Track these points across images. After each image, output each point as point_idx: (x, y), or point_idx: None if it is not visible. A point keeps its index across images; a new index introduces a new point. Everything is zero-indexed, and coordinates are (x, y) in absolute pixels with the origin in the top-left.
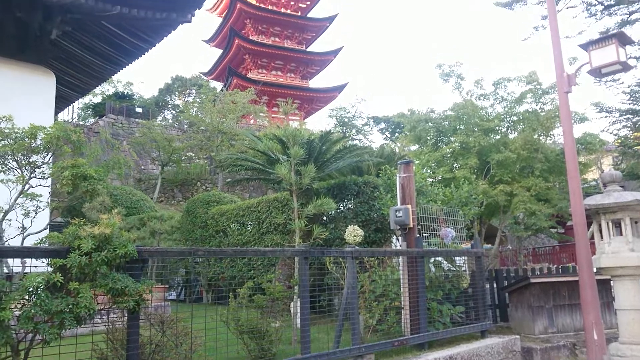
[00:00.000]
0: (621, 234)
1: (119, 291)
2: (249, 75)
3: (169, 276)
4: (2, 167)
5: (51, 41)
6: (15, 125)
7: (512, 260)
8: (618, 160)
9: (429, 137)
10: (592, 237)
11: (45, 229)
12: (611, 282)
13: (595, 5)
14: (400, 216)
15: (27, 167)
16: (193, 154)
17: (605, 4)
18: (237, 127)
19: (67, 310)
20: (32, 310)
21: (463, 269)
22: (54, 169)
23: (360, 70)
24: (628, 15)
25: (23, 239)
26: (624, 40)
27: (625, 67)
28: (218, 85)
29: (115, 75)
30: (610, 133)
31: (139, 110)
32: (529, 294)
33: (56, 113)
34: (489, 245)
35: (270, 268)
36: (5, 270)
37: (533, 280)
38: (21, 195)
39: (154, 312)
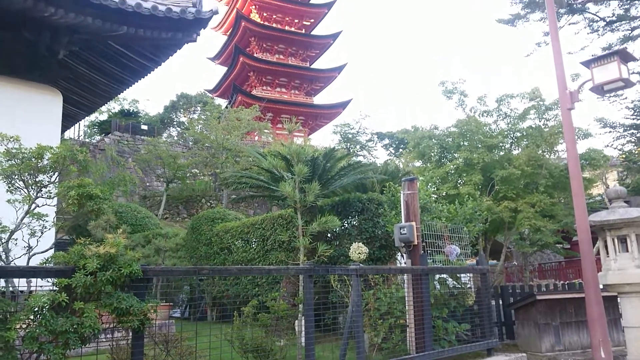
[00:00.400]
0: (627, 251)
1: (123, 311)
2: (254, 92)
3: (173, 293)
4: (9, 187)
5: (58, 61)
6: (23, 146)
7: (517, 277)
8: (623, 175)
9: (432, 154)
10: (598, 253)
11: (50, 248)
12: (618, 298)
13: (597, 21)
14: (405, 233)
15: (33, 187)
16: (198, 171)
17: (607, 20)
18: (242, 144)
19: (72, 330)
20: (37, 330)
21: (468, 285)
22: (60, 189)
23: (364, 85)
24: (630, 31)
25: (29, 259)
26: (625, 57)
27: (628, 84)
28: (223, 103)
29: (121, 93)
30: (615, 148)
31: (144, 127)
32: (535, 311)
33: (63, 131)
34: (494, 262)
35: (275, 285)
36: (10, 289)
37: (539, 297)
38: (27, 215)
39: (159, 331)
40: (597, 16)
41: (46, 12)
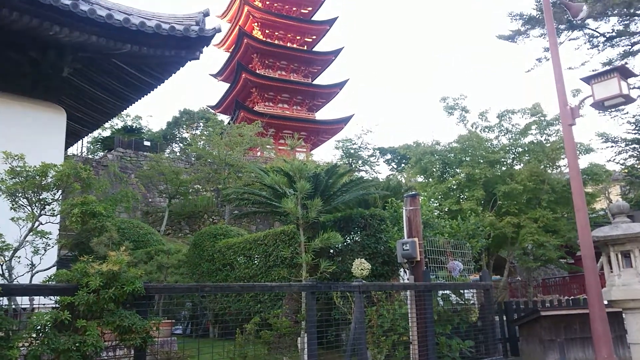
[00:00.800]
0: (631, 266)
1: (126, 329)
2: (256, 108)
3: (175, 310)
4: (13, 205)
5: (63, 79)
6: (27, 164)
7: (521, 292)
8: (626, 189)
9: (434, 169)
10: (602, 269)
11: (53, 265)
12: (623, 314)
13: (597, 37)
14: (407, 249)
15: (37, 204)
16: (200, 187)
17: (607, 36)
18: (244, 160)
19: (74, 349)
20: (40, 349)
21: (472, 301)
22: (64, 206)
23: (366, 97)
24: (630, 47)
25: (32, 276)
26: (625, 73)
27: (628, 100)
28: (225, 118)
29: (125, 110)
30: (617, 163)
31: (147, 143)
32: (540, 327)
33: (66, 148)
34: (498, 277)
35: (277, 302)
36: (13, 307)
37: (543, 313)
38: (31, 233)
39: (161, 348)
40: (596, 32)
41: (51, 30)
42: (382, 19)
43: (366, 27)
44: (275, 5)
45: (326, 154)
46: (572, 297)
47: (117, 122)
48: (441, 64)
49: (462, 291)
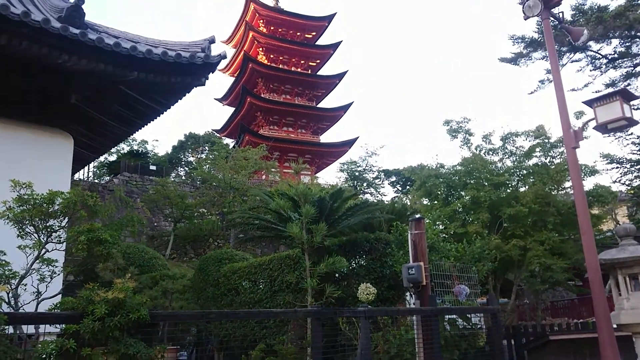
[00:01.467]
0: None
1: (131, 357)
2: (261, 131)
3: (180, 335)
4: (20, 232)
5: (70, 105)
6: (34, 192)
7: (530, 315)
8: (632, 210)
9: (439, 192)
10: (611, 291)
11: (59, 293)
12: (633, 338)
13: (599, 59)
14: (413, 274)
15: (43, 232)
16: (205, 210)
17: (609, 58)
18: (249, 183)
19: None
20: None
21: (479, 326)
22: (70, 234)
23: (371, 117)
24: (632, 68)
25: (37, 304)
26: (628, 96)
27: (631, 123)
28: (231, 142)
29: (131, 135)
30: (623, 184)
31: (153, 167)
32: (549, 352)
33: (73, 173)
34: (505, 300)
35: (283, 328)
36: (18, 334)
37: (552, 337)
38: (37, 260)
39: None
40: (599, 54)
41: (60, 59)
42: (383, 33)
43: (369, 43)
44: (280, 30)
45: (331, 176)
46: (581, 320)
47: (123, 147)
48: (441, 72)
49: (469, 315)
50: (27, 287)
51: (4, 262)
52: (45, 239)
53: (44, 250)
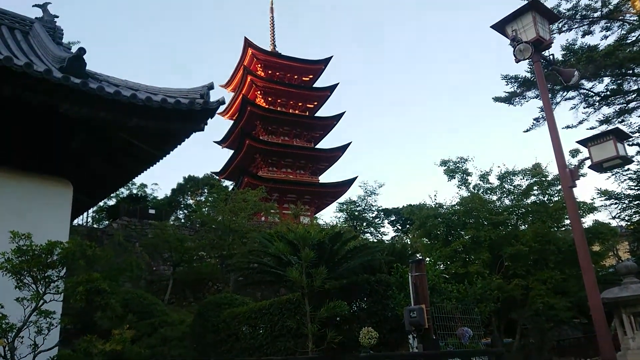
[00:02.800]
0: None
1: None
2: (260, 173)
3: None
4: (18, 283)
5: (70, 152)
6: (33, 243)
7: (536, 355)
8: (634, 246)
9: (439, 232)
10: (616, 330)
11: (56, 345)
12: None
13: (592, 96)
14: (415, 316)
15: (42, 282)
16: (205, 253)
17: (602, 95)
18: (249, 225)
19: None
20: None
21: None
22: (69, 284)
23: (370, 158)
24: (625, 105)
25: (34, 357)
26: (620, 136)
27: (626, 161)
28: (230, 184)
29: (130, 181)
30: (622, 219)
31: (152, 211)
32: None
33: (72, 219)
34: (510, 340)
35: None
36: None
37: None
38: (35, 312)
39: None
40: (591, 92)
41: (61, 108)
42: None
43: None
44: (277, 73)
45: (330, 216)
46: (588, 359)
47: (122, 191)
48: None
49: (473, 359)
50: (24, 339)
51: (1, 316)
52: (43, 290)
53: (41, 302)
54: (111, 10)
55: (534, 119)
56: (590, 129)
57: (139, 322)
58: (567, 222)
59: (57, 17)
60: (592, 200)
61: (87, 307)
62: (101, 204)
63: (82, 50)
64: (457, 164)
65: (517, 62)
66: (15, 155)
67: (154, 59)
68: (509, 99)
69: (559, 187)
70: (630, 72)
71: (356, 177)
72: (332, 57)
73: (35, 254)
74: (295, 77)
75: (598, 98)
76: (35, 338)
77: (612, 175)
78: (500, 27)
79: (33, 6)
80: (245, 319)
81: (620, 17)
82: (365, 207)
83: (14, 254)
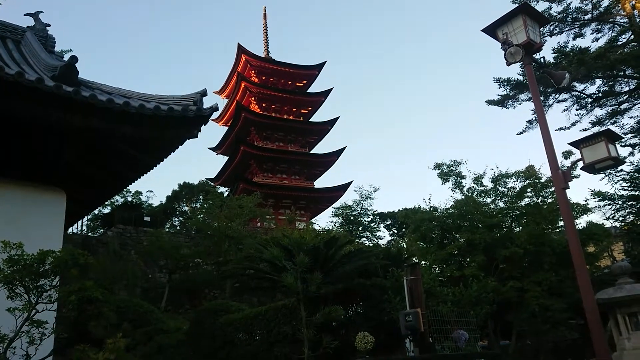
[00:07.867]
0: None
1: None
2: (255, 179)
3: None
4: (10, 293)
5: (63, 161)
6: (25, 252)
7: (533, 357)
8: (628, 246)
9: (434, 235)
10: (612, 331)
11: (49, 355)
12: None
13: (584, 98)
14: (411, 320)
15: (34, 292)
16: (200, 260)
17: (594, 97)
18: (244, 231)
19: None
20: None
21: None
22: (61, 293)
23: (365, 162)
24: (617, 106)
25: None
26: (612, 137)
27: (617, 162)
28: (225, 191)
29: (125, 189)
30: (616, 220)
31: (147, 219)
32: None
33: (66, 228)
34: (507, 342)
35: None
36: None
37: None
38: (27, 322)
39: None
40: (583, 94)
41: (53, 116)
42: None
43: (362, 86)
44: (271, 79)
45: (326, 221)
46: None
47: (117, 199)
48: (436, 127)
49: None
50: (16, 350)
51: None
52: (35, 300)
53: (34, 312)
54: (104, 18)
55: (527, 122)
56: (583, 130)
57: (134, 331)
58: (561, 223)
59: (49, 25)
60: (585, 201)
61: (80, 316)
62: (96, 212)
63: (74, 59)
64: (451, 167)
65: (508, 65)
66: (7, 164)
67: (145, 66)
68: (502, 102)
69: (553, 189)
70: (622, 73)
71: (351, 182)
72: (325, 62)
73: (27, 264)
74: (289, 82)
75: (590, 100)
76: (28, 348)
77: (606, 176)
78: (491, 30)
79: (25, 15)
80: (241, 326)
81: (611, 20)
82: (361, 211)
83: (6, 263)
